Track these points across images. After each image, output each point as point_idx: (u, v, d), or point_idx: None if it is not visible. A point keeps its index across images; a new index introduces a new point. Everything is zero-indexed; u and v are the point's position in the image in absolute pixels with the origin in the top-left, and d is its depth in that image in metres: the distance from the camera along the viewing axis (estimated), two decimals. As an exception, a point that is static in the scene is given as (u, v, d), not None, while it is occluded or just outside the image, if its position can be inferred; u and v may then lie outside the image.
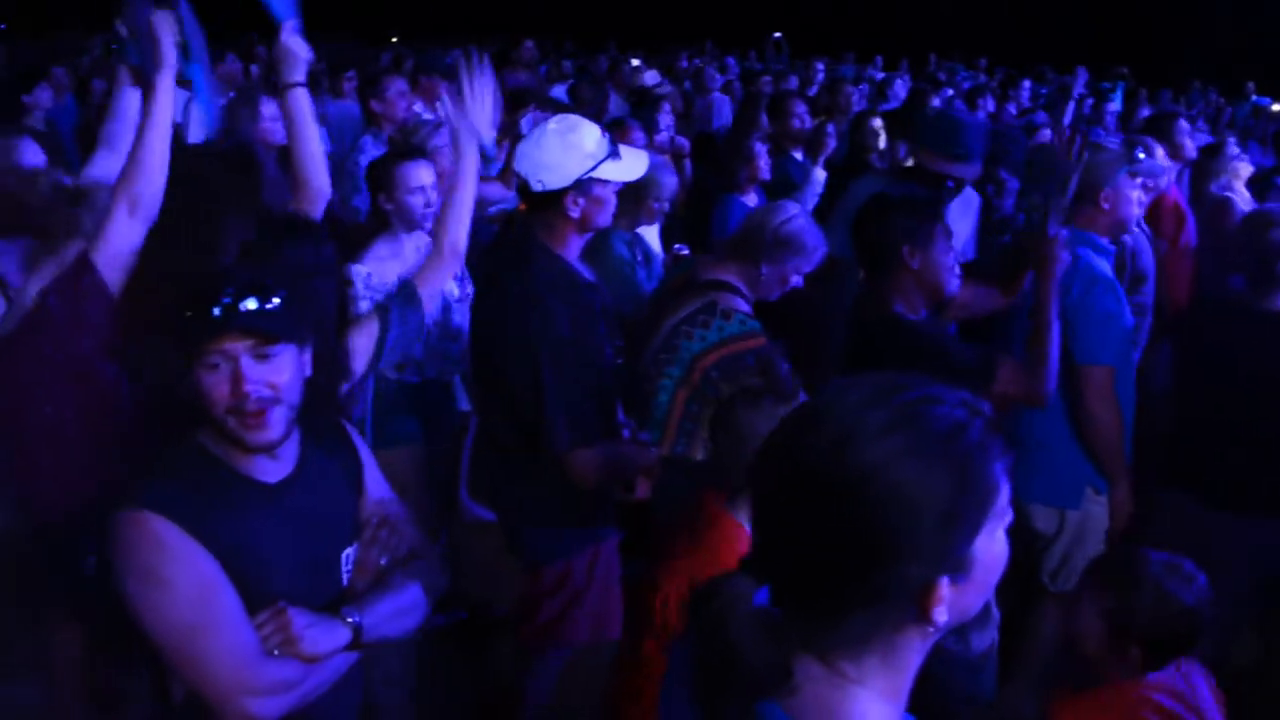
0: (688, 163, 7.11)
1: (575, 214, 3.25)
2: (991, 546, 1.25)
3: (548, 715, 3.55)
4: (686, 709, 1.27)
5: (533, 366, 3.14)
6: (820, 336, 4.23)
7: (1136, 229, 4.84)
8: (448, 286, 4.00)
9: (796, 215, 3.72)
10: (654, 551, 2.79)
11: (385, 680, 3.46)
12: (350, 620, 2.11)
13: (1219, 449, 3.76)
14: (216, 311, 1.96)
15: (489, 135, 3.11)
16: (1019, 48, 18.43)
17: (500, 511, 3.57)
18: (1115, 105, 9.99)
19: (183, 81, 3.33)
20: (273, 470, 2.11)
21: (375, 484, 2.35)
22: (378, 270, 3.92)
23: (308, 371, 2.11)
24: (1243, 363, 3.73)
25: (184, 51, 3.17)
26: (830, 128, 6.60)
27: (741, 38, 18.75)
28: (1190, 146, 6.34)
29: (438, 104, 3.21)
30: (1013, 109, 10.12)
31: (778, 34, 17.34)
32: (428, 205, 4.07)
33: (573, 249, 3.33)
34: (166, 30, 3.05)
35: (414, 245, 4.10)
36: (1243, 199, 5.93)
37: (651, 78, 10.28)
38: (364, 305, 3.53)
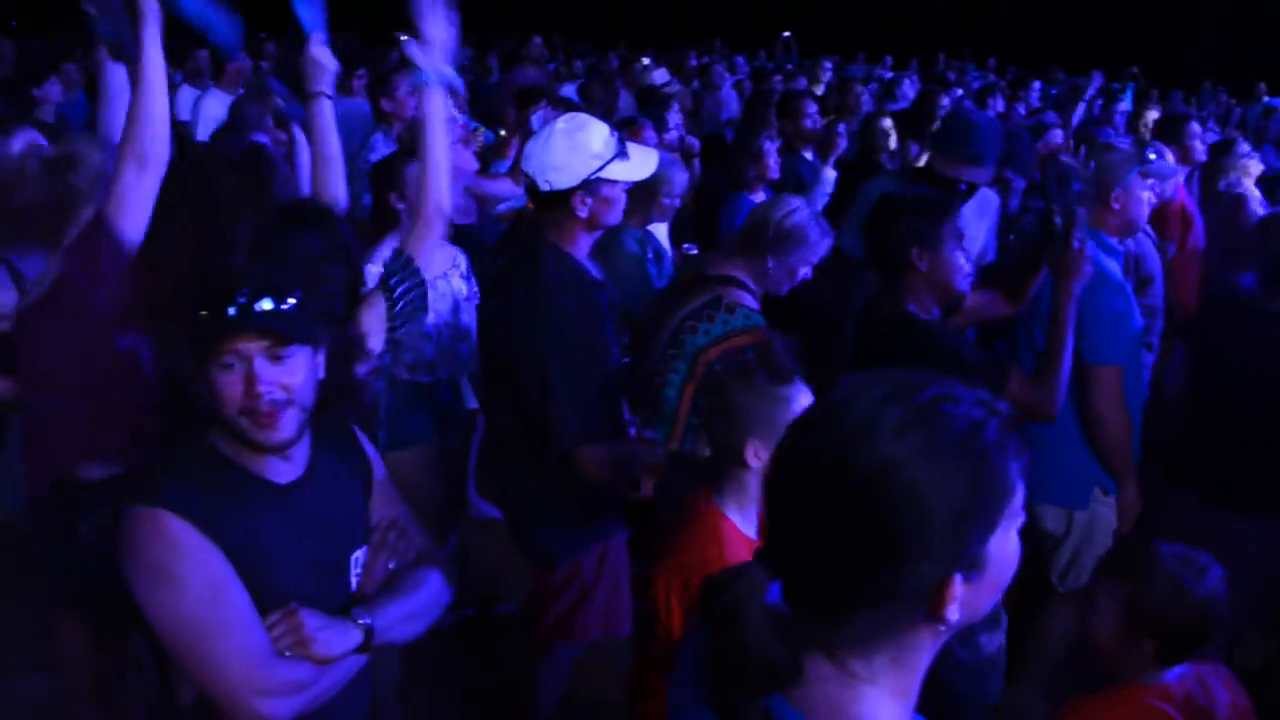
0: (696, 162, 7.10)
1: (583, 213, 3.25)
2: (1005, 546, 1.25)
3: (558, 712, 3.56)
4: (697, 705, 1.27)
5: (540, 364, 3.15)
6: (833, 335, 4.23)
7: (1140, 233, 4.83)
8: (456, 285, 4.01)
9: (799, 208, 3.71)
10: (655, 549, 2.79)
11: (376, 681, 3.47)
12: (362, 622, 2.09)
13: (1228, 449, 3.75)
14: (232, 311, 1.95)
15: (451, 73, 3.03)
16: (1029, 48, 18.39)
17: (508, 510, 3.58)
18: (1125, 105, 9.97)
19: (195, 81, 3.34)
20: (284, 471, 2.10)
21: (384, 487, 2.34)
22: None
23: (321, 373, 2.09)
24: (1253, 363, 3.72)
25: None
26: (841, 127, 6.60)
27: (751, 37, 18.74)
28: (1200, 149, 6.34)
29: (403, 47, 3.11)
30: (1022, 109, 10.09)
31: (787, 33, 17.30)
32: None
33: (581, 247, 3.33)
34: None
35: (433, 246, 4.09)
36: (1254, 197, 5.92)
37: (660, 76, 10.26)
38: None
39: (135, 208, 3.00)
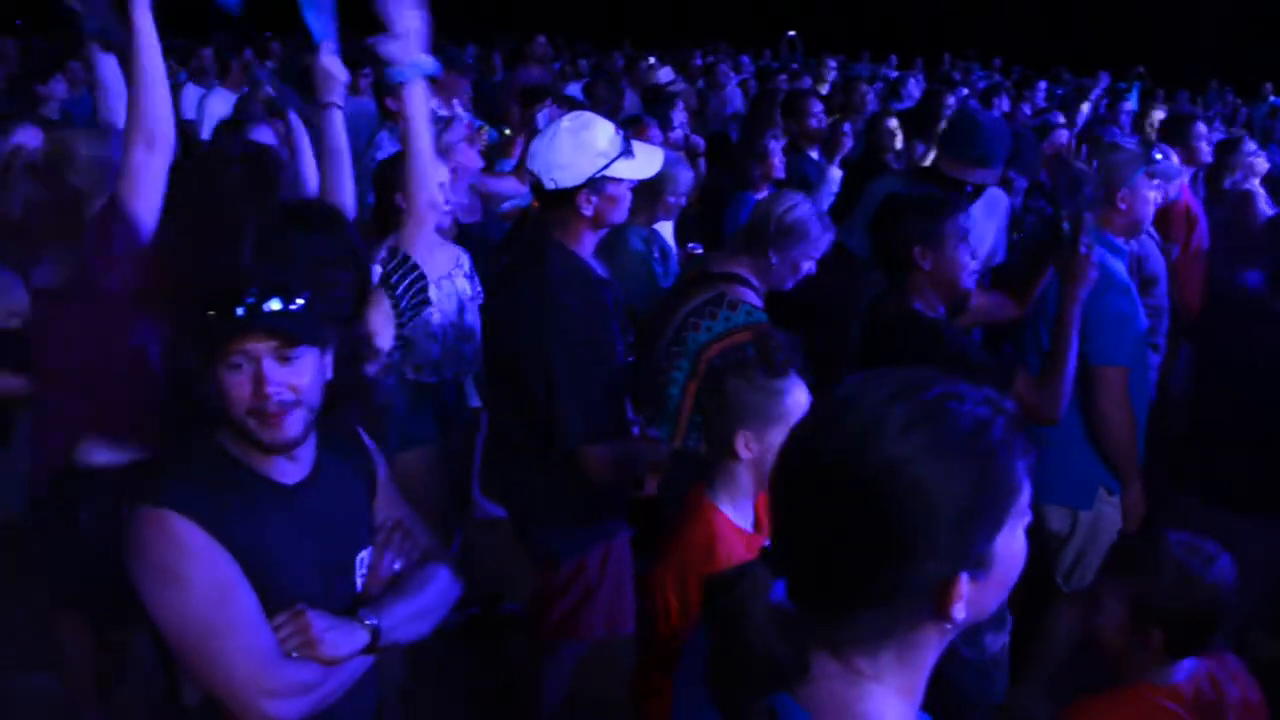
0: (702, 161, 7.10)
1: (589, 212, 3.25)
2: (1012, 544, 1.25)
3: (562, 711, 3.56)
4: (702, 703, 1.27)
5: (546, 362, 3.15)
6: (837, 332, 4.23)
7: (1143, 234, 4.82)
8: (460, 285, 4.00)
9: (800, 203, 3.70)
10: (657, 548, 2.79)
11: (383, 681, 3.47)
12: (369, 623, 2.09)
13: (1231, 449, 3.75)
14: (240, 311, 1.94)
15: (428, 62, 3.00)
16: (1034, 48, 18.37)
17: (512, 508, 3.58)
18: (1131, 105, 9.96)
19: (200, 79, 3.34)
20: (290, 472, 2.09)
21: (388, 488, 2.33)
22: None
23: (328, 374, 2.09)
24: (1258, 362, 3.71)
25: None
26: (847, 127, 6.59)
27: (755, 36, 18.73)
28: (1206, 150, 6.32)
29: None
30: (1027, 109, 10.09)
31: (792, 32, 17.30)
32: (446, 203, 4.07)
33: (587, 245, 3.33)
34: None
35: (434, 241, 4.10)
36: (1261, 194, 5.91)
37: (665, 75, 10.26)
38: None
39: (147, 189, 3.00)
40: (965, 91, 10.02)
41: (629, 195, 3.34)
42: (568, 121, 3.28)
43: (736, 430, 2.61)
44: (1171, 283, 5.12)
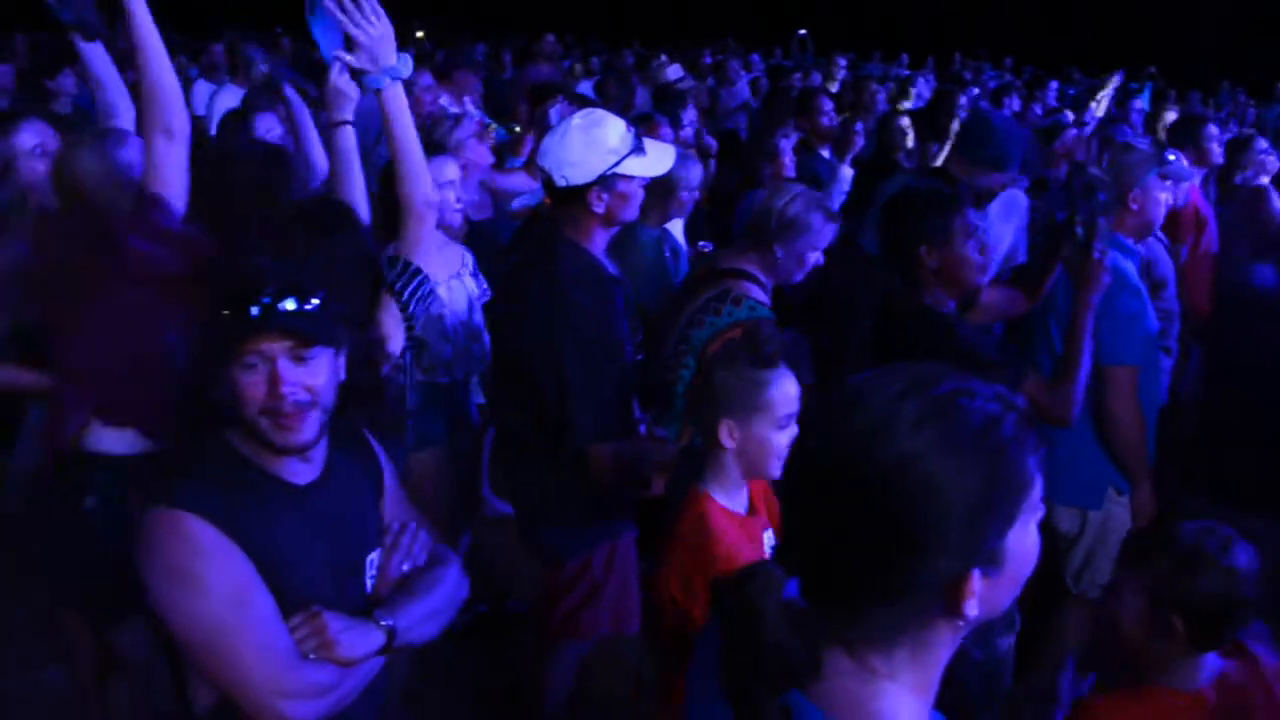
0: (713, 163, 7.08)
1: (600, 209, 3.25)
2: (1024, 540, 1.25)
3: (567, 709, 3.56)
4: (714, 701, 1.27)
5: (557, 361, 3.14)
6: (845, 328, 4.22)
7: (1151, 236, 4.81)
8: (468, 284, 4.01)
9: (800, 195, 3.69)
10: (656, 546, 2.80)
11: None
12: (384, 624, 2.08)
13: (1241, 449, 3.74)
14: (255, 311, 1.94)
15: (400, 65, 2.99)
16: (1045, 48, 18.34)
17: (519, 507, 3.58)
18: (1142, 104, 9.93)
19: (211, 75, 3.34)
20: (302, 472, 2.08)
21: (394, 489, 2.33)
22: None
23: (342, 375, 2.08)
24: (1268, 361, 3.70)
25: None
26: (859, 126, 6.59)
27: (766, 35, 18.72)
28: (1217, 152, 6.31)
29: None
30: (1038, 109, 10.06)
31: (803, 31, 17.28)
32: (458, 201, 4.07)
33: (598, 243, 3.33)
34: None
35: (438, 241, 4.10)
36: (1273, 191, 5.90)
37: (674, 72, 10.26)
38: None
39: (173, 178, 3.01)
40: (976, 91, 9.99)
41: (640, 193, 3.33)
42: (579, 119, 3.28)
43: (720, 419, 2.62)
44: (1180, 285, 5.11)
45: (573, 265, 3.23)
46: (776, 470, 2.64)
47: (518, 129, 6.10)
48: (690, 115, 6.87)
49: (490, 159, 5.18)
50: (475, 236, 4.46)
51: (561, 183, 3.23)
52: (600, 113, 3.36)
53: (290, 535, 2.03)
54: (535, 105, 5.83)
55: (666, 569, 2.61)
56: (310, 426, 2.01)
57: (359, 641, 2.04)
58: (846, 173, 6.32)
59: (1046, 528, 3.76)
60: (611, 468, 3.22)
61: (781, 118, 6.98)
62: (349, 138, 3.33)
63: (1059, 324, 3.68)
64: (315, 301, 2.00)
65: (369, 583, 2.19)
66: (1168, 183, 4.00)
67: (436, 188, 3.98)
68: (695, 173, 4.83)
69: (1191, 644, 2.25)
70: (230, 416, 2.01)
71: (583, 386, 3.14)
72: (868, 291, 3.96)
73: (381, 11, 2.97)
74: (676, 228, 5.02)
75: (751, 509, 2.73)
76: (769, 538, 2.71)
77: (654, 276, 4.48)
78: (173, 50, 3.09)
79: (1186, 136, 6.17)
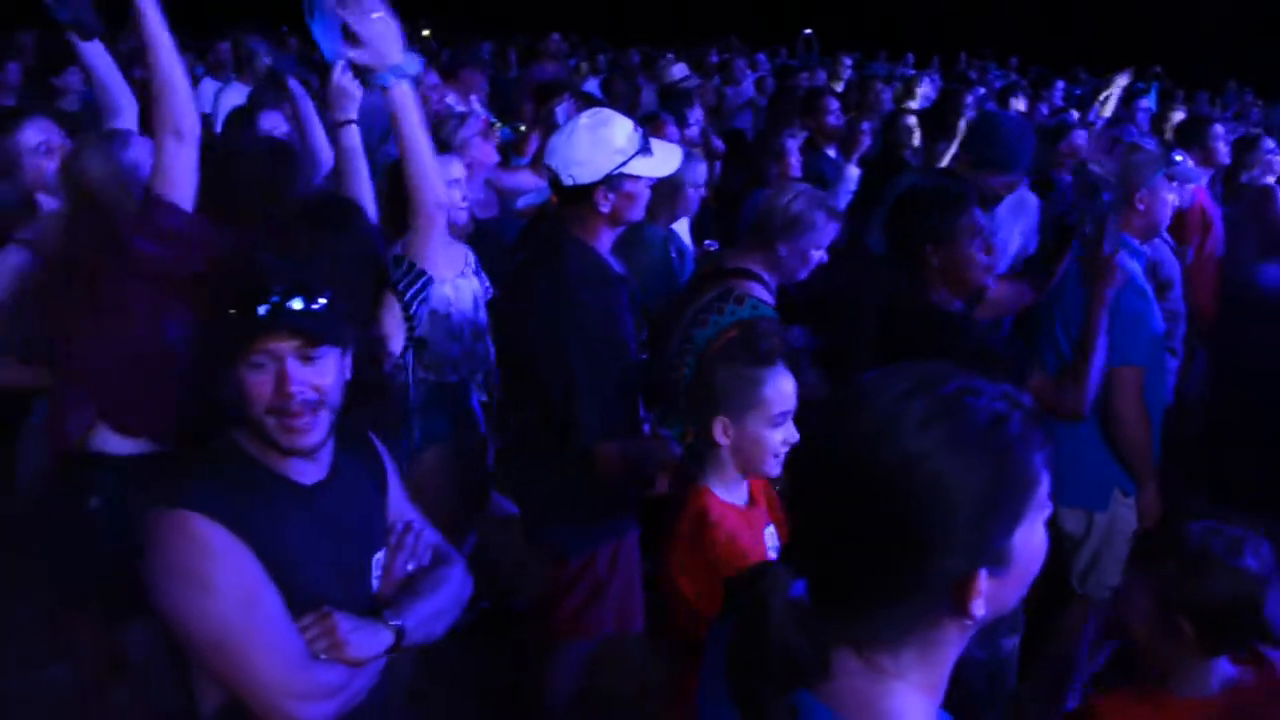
0: (719, 164, 7.08)
1: (605, 208, 3.25)
2: (1032, 538, 1.24)
3: (571, 707, 3.56)
4: (723, 700, 1.27)
5: (563, 359, 3.14)
6: (856, 330, 4.21)
7: (1157, 237, 4.80)
8: (473, 282, 4.00)
9: (803, 193, 3.69)
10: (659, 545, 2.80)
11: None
12: (393, 624, 2.07)
13: (1242, 449, 3.73)
14: (263, 310, 1.92)
15: (408, 62, 2.96)
16: (1050, 48, 18.31)
17: (524, 505, 3.58)
18: (1149, 104, 9.90)
19: (217, 74, 3.33)
20: (309, 472, 2.07)
21: (397, 489, 2.32)
22: None
23: (348, 374, 2.07)
24: (1272, 362, 3.70)
25: None
26: (865, 125, 6.58)
27: (771, 35, 18.69)
28: (1224, 152, 6.29)
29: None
30: (1044, 109, 10.04)
31: (808, 30, 17.26)
32: (464, 199, 4.07)
33: (604, 242, 3.33)
34: None
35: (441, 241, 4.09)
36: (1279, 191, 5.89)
37: (679, 71, 10.26)
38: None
39: (181, 180, 3.00)
40: (982, 91, 9.98)
41: (647, 193, 3.33)
42: (587, 118, 3.28)
43: (715, 416, 2.63)
44: (1186, 286, 5.10)
45: (579, 264, 3.23)
46: (773, 468, 2.65)
47: (522, 128, 6.10)
48: (696, 114, 6.86)
49: (495, 157, 5.18)
50: (481, 235, 4.45)
51: (568, 181, 3.23)
52: (608, 112, 3.37)
53: (297, 535, 2.02)
54: (540, 104, 5.83)
55: (672, 567, 2.61)
56: (319, 428, 2.00)
57: (369, 642, 2.03)
58: (853, 172, 6.31)
59: (1052, 529, 3.76)
60: (617, 466, 3.22)
61: (788, 117, 6.97)
62: (354, 136, 3.32)
63: (1064, 319, 3.69)
64: (323, 301, 1.98)
65: (374, 583, 2.19)
66: (1174, 184, 4.00)
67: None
68: (700, 170, 4.83)
69: (1201, 647, 2.20)
70: (236, 416, 1.99)
71: (589, 385, 3.14)
72: (874, 291, 3.95)
73: (383, 6, 2.95)
74: (682, 227, 5.02)
75: (751, 502, 2.74)
76: (770, 534, 2.71)
77: (660, 276, 4.48)
78: (178, 48, 3.08)
79: (1193, 137, 6.16)
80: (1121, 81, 8.14)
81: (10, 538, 3.54)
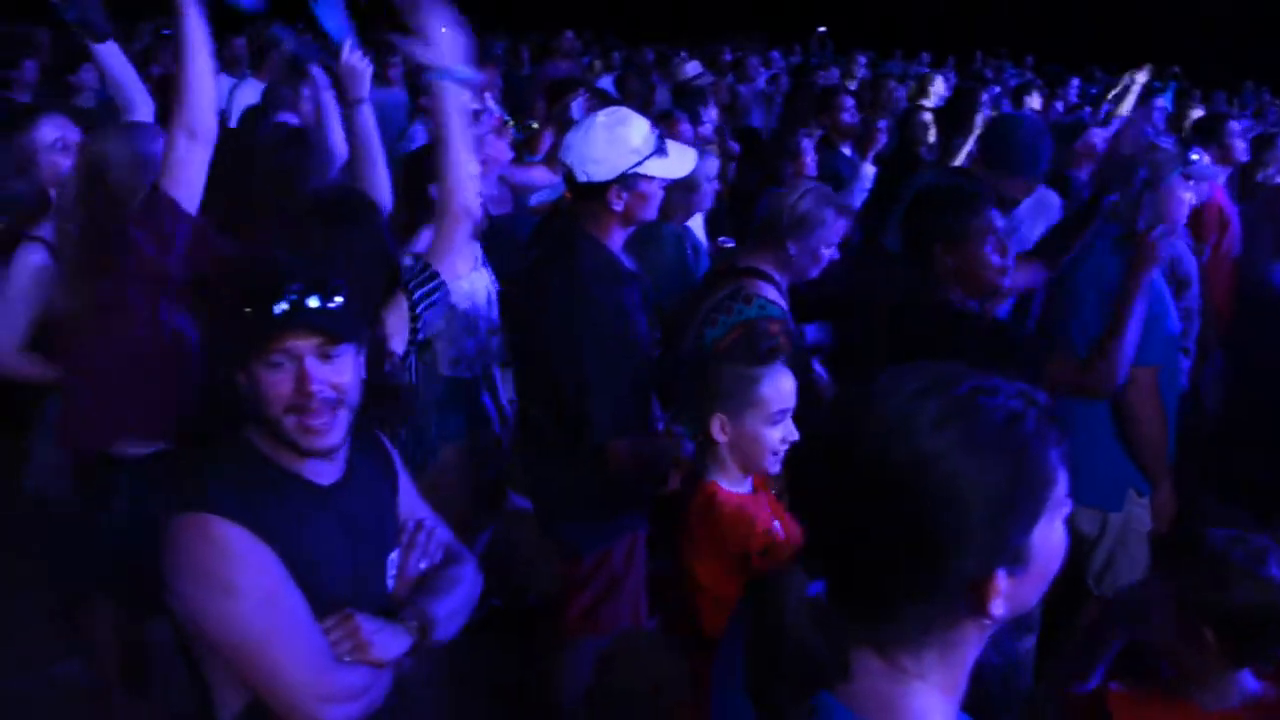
0: (733, 166, 7.05)
1: (618, 207, 3.25)
2: (1050, 537, 1.24)
3: (584, 701, 3.56)
4: (737, 698, 1.26)
5: (577, 356, 3.15)
6: (870, 328, 4.20)
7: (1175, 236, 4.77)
8: (484, 278, 4.01)
9: (811, 190, 3.68)
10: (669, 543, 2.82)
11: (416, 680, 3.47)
12: (412, 624, 2.07)
13: (1251, 449, 3.72)
14: (281, 308, 1.90)
15: (468, 72, 2.93)
16: (1067, 47, 18.25)
17: (538, 502, 3.58)
18: (1165, 103, 9.85)
19: (232, 70, 3.33)
20: (325, 472, 2.05)
21: (407, 487, 2.31)
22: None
23: (363, 373, 2.06)
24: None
25: None
26: (881, 123, 6.56)
27: (786, 33, 18.67)
28: (1241, 148, 6.26)
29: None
30: (1060, 107, 10.01)
31: (823, 28, 17.24)
32: (478, 196, 4.06)
33: (617, 240, 3.33)
34: None
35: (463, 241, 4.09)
36: None
37: (693, 68, 10.23)
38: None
39: (189, 180, 3.00)
40: (997, 89, 9.95)
41: (660, 193, 3.33)
42: (604, 116, 3.29)
43: (713, 413, 2.67)
44: (1202, 284, 5.07)
45: (593, 261, 3.23)
46: (771, 465, 2.69)
47: (535, 125, 6.09)
48: (710, 113, 6.85)
49: (509, 154, 5.18)
50: (495, 231, 4.45)
51: (583, 178, 3.23)
52: (625, 111, 3.37)
53: (316, 536, 2.01)
54: (553, 101, 5.82)
55: (685, 557, 2.62)
56: (339, 427, 1.98)
57: (392, 642, 2.03)
58: (868, 170, 6.30)
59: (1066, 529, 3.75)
60: (629, 464, 3.22)
61: (803, 115, 6.96)
62: (367, 116, 3.31)
63: (1070, 302, 3.68)
64: (340, 299, 1.97)
65: (390, 583, 2.18)
66: (1191, 182, 3.98)
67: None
68: (712, 165, 4.83)
69: (1225, 656, 2.16)
70: (252, 415, 1.98)
71: (602, 382, 3.15)
72: (890, 289, 3.94)
73: (456, 18, 2.90)
74: (697, 224, 5.01)
75: (755, 487, 2.78)
76: (776, 528, 2.72)
77: (675, 273, 4.48)
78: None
79: (1210, 133, 6.12)
80: (1140, 78, 8.09)
81: (21, 536, 3.55)
